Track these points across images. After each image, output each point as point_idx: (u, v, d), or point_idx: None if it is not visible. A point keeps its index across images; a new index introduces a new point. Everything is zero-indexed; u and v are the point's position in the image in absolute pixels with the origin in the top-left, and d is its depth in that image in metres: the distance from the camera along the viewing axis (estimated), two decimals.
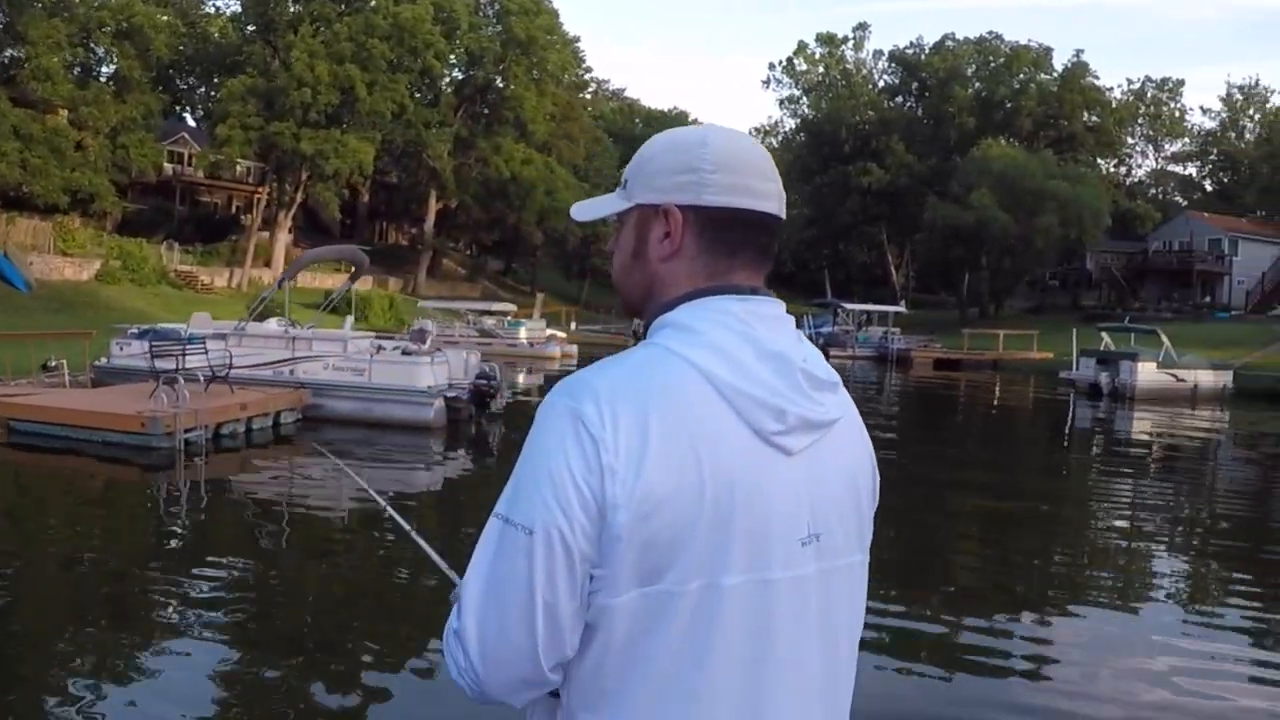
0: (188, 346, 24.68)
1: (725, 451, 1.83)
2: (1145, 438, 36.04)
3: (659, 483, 1.77)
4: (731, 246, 2.01)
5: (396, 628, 11.22)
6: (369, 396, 25.64)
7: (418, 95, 79.34)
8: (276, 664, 9.74)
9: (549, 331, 61.31)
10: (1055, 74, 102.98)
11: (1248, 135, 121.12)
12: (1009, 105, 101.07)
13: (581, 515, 1.76)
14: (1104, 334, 52.52)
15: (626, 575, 1.79)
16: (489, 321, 60.63)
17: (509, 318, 61.41)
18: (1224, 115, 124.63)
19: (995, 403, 46.57)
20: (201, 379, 23.47)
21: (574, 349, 58.31)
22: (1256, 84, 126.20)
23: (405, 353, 26.97)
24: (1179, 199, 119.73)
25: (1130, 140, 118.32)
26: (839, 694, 2.03)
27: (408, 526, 3.29)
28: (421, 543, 3.05)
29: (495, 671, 1.83)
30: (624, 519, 1.76)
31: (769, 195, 2.04)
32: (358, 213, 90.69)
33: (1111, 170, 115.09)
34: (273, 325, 27.60)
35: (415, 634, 10.89)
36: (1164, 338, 49.40)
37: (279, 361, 26.17)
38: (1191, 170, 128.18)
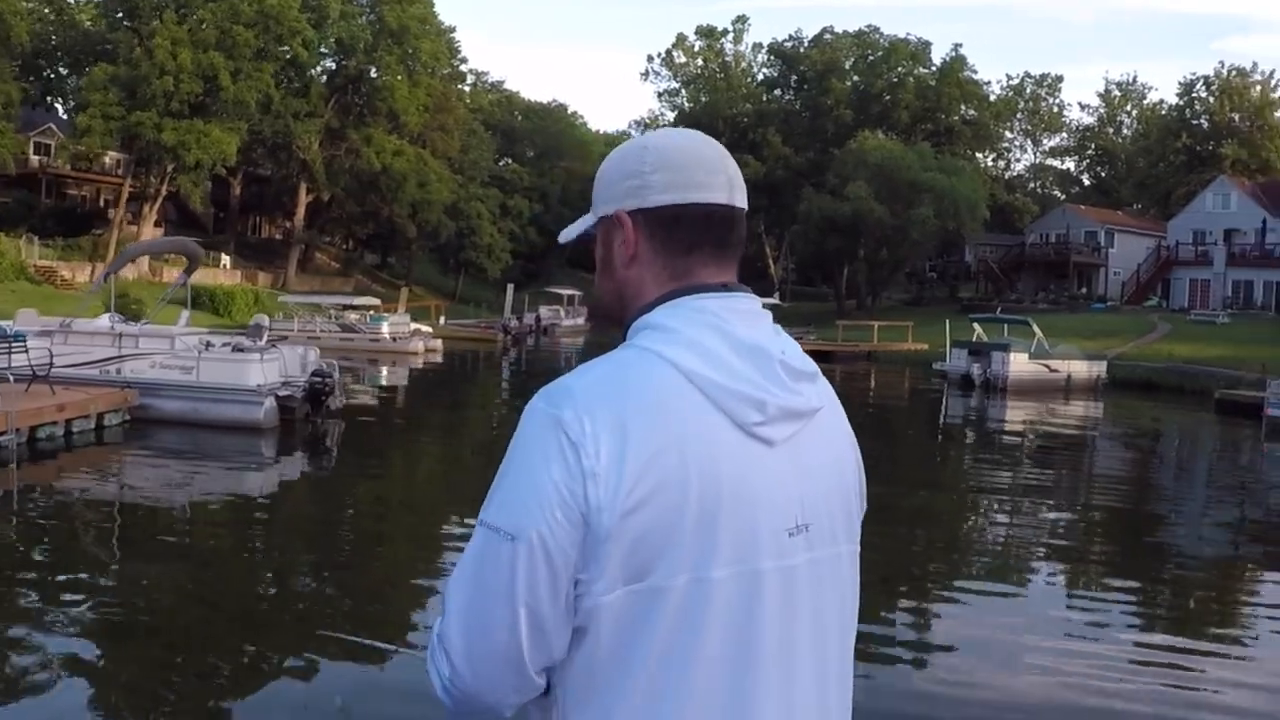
0: (13, 344, 23.15)
1: (707, 446, 1.82)
2: (1019, 428, 36.27)
3: (641, 482, 1.77)
4: (686, 244, 1.99)
5: (235, 631, 11.04)
6: (197, 395, 24.25)
7: (285, 85, 77.55)
8: (122, 671, 9.70)
9: (414, 326, 59.82)
10: (934, 68, 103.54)
11: (1125, 131, 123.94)
12: (887, 99, 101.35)
13: (564, 520, 1.76)
14: (976, 325, 52.12)
15: (613, 575, 1.78)
16: (352, 316, 59.15)
17: (372, 312, 59.95)
18: (1102, 111, 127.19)
19: (869, 395, 46.17)
20: (13, 379, 21.88)
21: (439, 344, 57.32)
22: (1134, 81, 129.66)
23: (236, 349, 25.48)
24: (1058, 193, 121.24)
25: (1009, 135, 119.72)
26: (833, 684, 2.00)
27: None
28: None
29: (480, 677, 1.83)
30: (607, 521, 1.76)
31: (715, 185, 2.00)
32: (230, 206, 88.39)
33: (990, 164, 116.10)
34: (103, 321, 26.07)
35: (253, 638, 10.87)
36: (1036, 328, 49.27)
37: (104, 360, 24.67)
38: (1070, 165, 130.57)
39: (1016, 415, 39.24)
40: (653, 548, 1.78)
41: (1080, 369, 49.27)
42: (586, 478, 1.76)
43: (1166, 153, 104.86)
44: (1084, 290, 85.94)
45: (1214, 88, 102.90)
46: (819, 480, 1.97)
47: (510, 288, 78.42)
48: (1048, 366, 47.80)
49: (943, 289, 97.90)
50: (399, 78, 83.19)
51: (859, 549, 2.07)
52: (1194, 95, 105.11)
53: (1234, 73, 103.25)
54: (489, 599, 1.80)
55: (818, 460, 1.97)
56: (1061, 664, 10.54)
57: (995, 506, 20.95)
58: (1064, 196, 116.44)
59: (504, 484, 1.83)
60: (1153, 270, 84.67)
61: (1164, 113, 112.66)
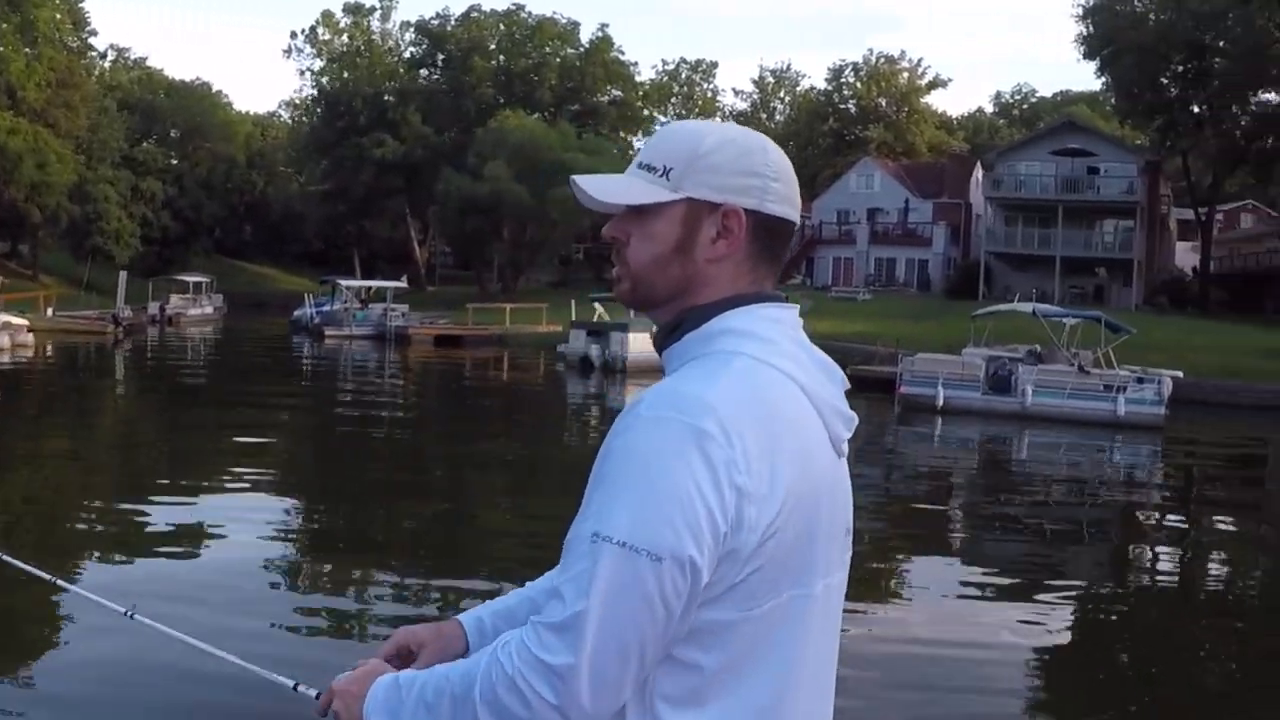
0: None
1: (822, 460, 1.89)
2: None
3: (785, 499, 1.78)
4: (775, 254, 2.03)
5: None
6: None
7: None
8: None
9: (3, 318, 52.97)
10: (582, 48, 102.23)
11: (778, 116, 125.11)
12: (534, 78, 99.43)
13: (711, 541, 1.73)
14: (597, 305, 49.85)
15: (751, 593, 1.79)
16: None
17: None
18: (756, 97, 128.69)
19: (489, 378, 44.99)
20: None
21: (30, 338, 50.97)
22: (788, 68, 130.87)
23: None
24: None
25: (663, 119, 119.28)
26: None
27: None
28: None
29: (598, 707, 1.75)
30: (756, 540, 1.76)
31: (798, 205, 2.05)
32: None
33: (643, 147, 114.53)
34: None
35: None
36: None
37: None
38: None
39: (624, 398, 37.42)
40: (788, 565, 1.81)
41: None
42: (742, 497, 1.73)
43: (815, 136, 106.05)
44: None
45: (862, 74, 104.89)
46: (849, 489, 2.03)
47: (123, 275, 71.79)
48: None
49: (590, 270, 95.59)
50: (15, 49, 76.17)
51: None
52: (843, 81, 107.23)
53: (882, 60, 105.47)
54: (629, 624, 1.72)
55: (846, 470, 2.02)
56: None
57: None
58: None
59: (635, 498, 1.73)
60: (797, 249, 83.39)
61: (814, 98, 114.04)
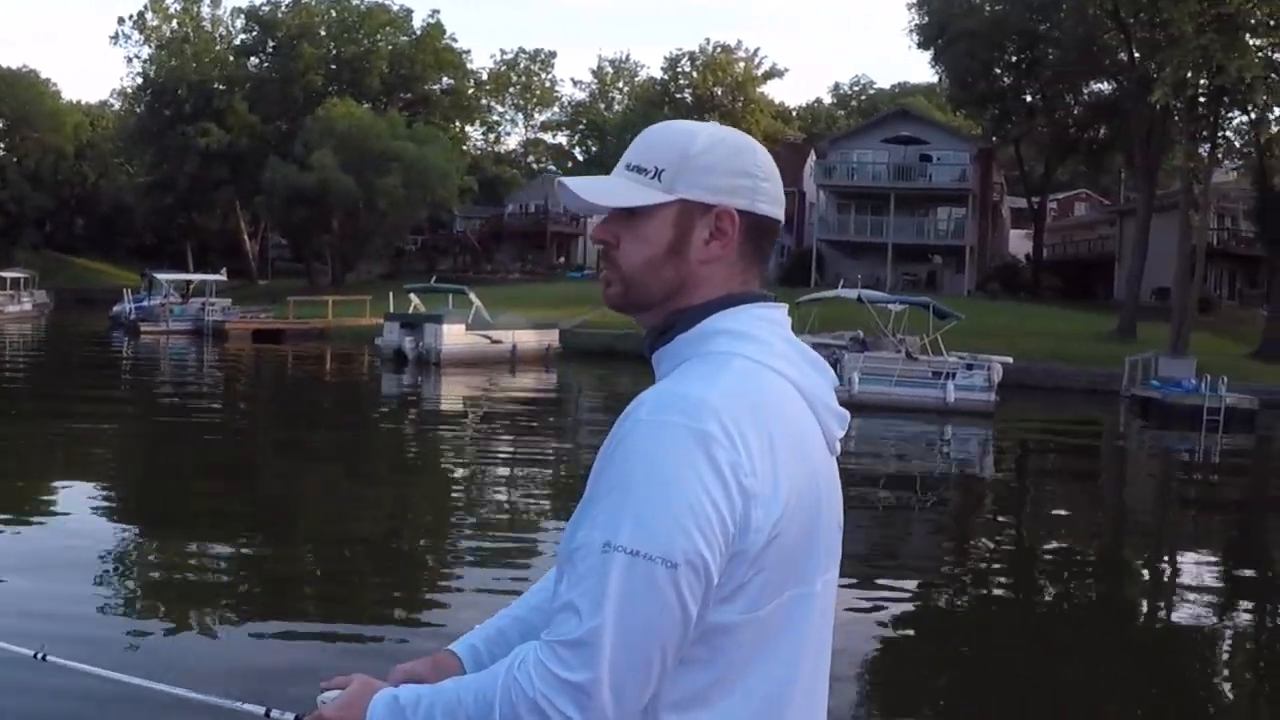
0: None
1: (819, 458, 1.92)
2: (454, 404, 34.38)
3: (788, 499, 1.81)
4: (764, 254, 2.05)
5: None
6: None
7: None
8: None
9: None
10: (414, 36, 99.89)
11: (617, 106, 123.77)
12: (365, 65, 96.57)
13: (722, 543, 1.74)
14: (413, 296, 48.11)
15: (757, 594, 1.81)
16: None
17: None
18: (594, 87, 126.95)
19: (301, 374, 43.58)
20: None
21: None
22: (627, 58, 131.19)
23: None
24: (553, 167, 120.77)
25: (500, 109, 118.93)
26: None
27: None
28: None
29: (626, 716, 1.75)
30: (762, 540, 1.78)
31: (784, 205, 2.07)
32: None
33: (481, 137, 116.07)
34: None
35: None
36: (474, 297, 46.04)
37: None
38: (563, 139, 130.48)
39: (453, 391, 36.93)
40: (790, 565, 1.83)
41: (528, 339, 46.80)
42: (749, 498, 1.74)
43: (650, 125, 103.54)
44: (563, 259, 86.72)
45: (699, 63, 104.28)
46: (839, 485, 2.04)
47: None
48: (489, 338, 44.61)
49: (423, 262, 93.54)
50: None
51: None
52: (679, 70, 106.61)
53: (719, 49, 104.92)
54: (649, 633, 1.72)
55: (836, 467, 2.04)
56: None
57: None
58: (560, 172, 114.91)
59: (644, 505, 1.73)
60: None
61: (651, 87, 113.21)
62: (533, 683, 1.72)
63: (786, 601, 1.83)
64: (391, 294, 50.42)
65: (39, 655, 2.65)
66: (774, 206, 2.00)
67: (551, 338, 48.17)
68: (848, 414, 2.01)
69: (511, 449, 24.70)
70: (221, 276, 68.37)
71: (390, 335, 44.29)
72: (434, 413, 32.01)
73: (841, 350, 33.47)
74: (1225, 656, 11.79)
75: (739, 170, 1.96)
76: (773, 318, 1.97)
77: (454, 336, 42.67)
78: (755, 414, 1.78)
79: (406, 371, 41.11)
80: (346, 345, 54.14)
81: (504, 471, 21.46)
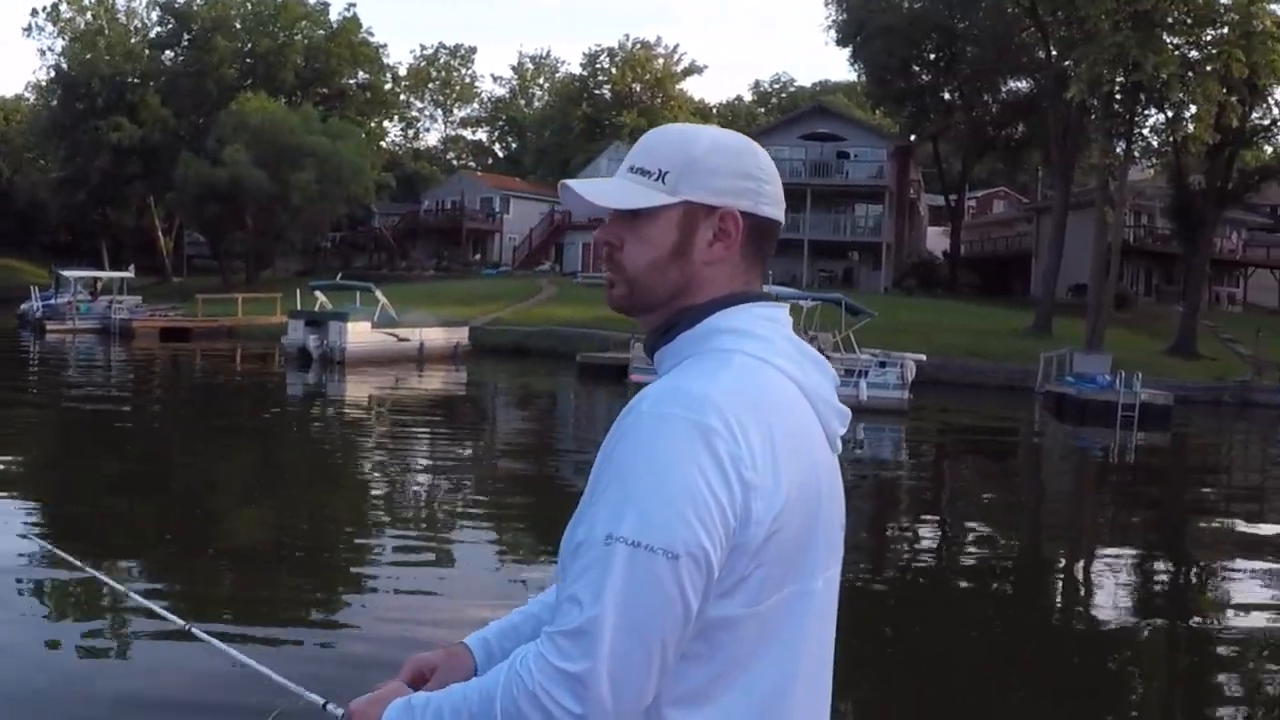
0: None
1: (819, 455, 1.94)
2: (360, 403, 33.69)
3: (788, 493, 1.82)
4: (765, 255, 2.08)
5: None
6: None
7: None
8: None
9: None
10: (330, 30, 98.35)
11: (536, 103, 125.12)
12: (281, 59, 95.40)
13: (723, 535, 1.76)
14: (319, 293, 46.97)
15: (757, 588, 1.82)
16: None
17: None
18: (515, 83, 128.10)
19: (206, 373, 42.72)
20: None
21: None
22: (548, 55, 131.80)
23: None
24: (473, 164, 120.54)
25: (419, 104, 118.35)
26: None
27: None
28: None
29: (622, 710, 1.76)
30: (763, 534, 1.80)
31: (784, 207, 2.11)
32: None
33: (400, 133, 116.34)
34: None
35: None
36: (379, 295, 45.32)
37: None
38: (483, 136, 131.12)
39: (357, 391, 36.15)
40: (790, 560, 1.84)
41: (436, 336, 46.03)
42: (750, 490, 1.76)
43: (568, 121, 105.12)
44: (479, 256, 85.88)
45: (618, 59, 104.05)
46: (841, 483, 2.05)
47: None
48: (395, 335, 43.83)
49: (340, 259, 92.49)
50: None
51: None
52: (598, 66, 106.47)
53: (638, 45, 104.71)
54: (651, 625, 1.73)
55: (838, 465, 2.06)
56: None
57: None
58: (478, 168, 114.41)
59: (645, 497, 1.75)
60: (545, 234, 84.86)
61: (569, 83, 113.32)
62: (532, 675, 1.73)
63: (787, 597, 1.85)
64: (299, 291, 49.32)
65: (186, 628, 2.75)
66: (776, 208, 2.03)
67: (461, 335, 47.48)
68: (849, 412, 2.03)
69: (416, 449, 24.11)
70: (128, 273, 67.10)
71: (295, 334, 43.20)
72: (337, 414, 31.22)
73: None
74: (1142, 653, 11.73)
75: (742, 172, 1.99)
76: (774, 317, 1.99)
77: (359, 334, 41.85)
78: (756, 408, 1.80)
79: (311, 371, 40.21)
80: (255, 344, 53.04)
81: (407, 472, 20.87)
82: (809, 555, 1.88)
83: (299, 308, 46.18)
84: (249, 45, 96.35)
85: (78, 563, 3.40)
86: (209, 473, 19.98)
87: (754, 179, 2.00)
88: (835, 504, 1.98)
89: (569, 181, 2.06)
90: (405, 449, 23.92)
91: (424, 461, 22.34)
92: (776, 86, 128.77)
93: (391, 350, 42.95)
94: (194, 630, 2.85)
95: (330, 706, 2.27)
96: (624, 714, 1.73)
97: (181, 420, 28.53)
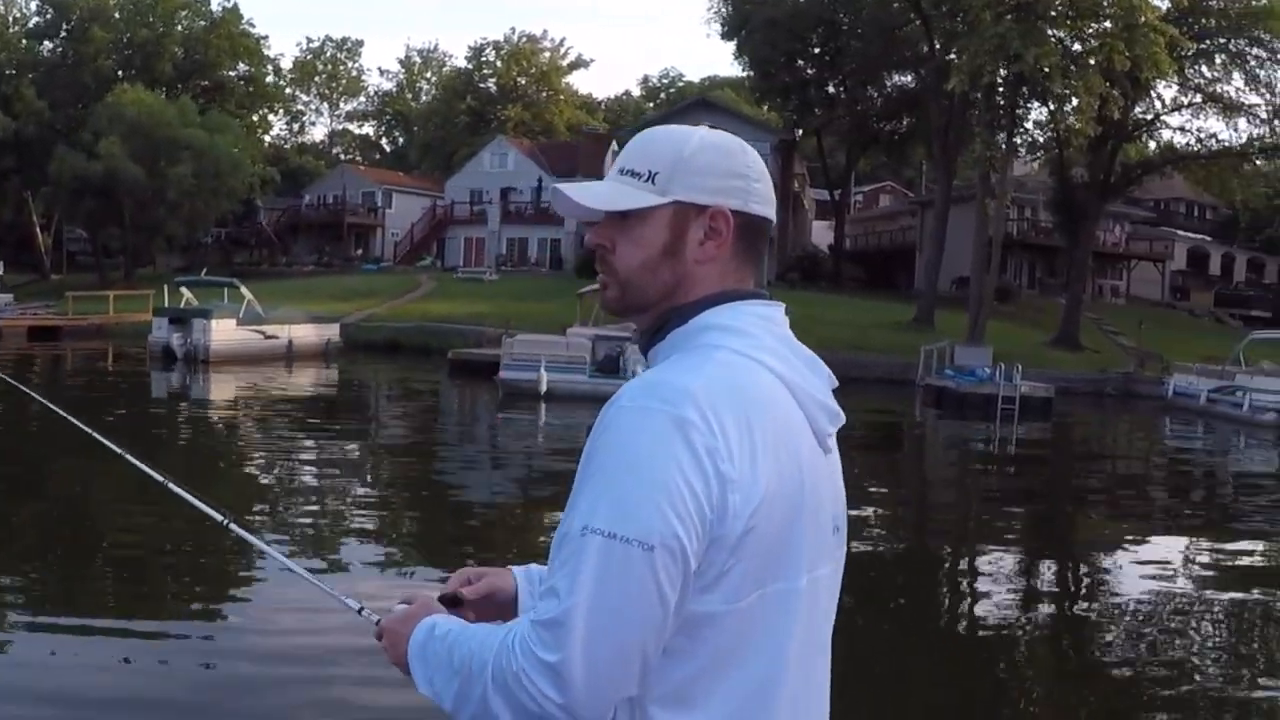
0: None
1: (801, 450, 1.91)
2: (222, 403, 32.58)
3: (767, 488, 1.81)
4: (757, 253, 2.08)
5: None
6: None
7: None
8: None
9: None
10: (211, 20, 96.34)
11: (424, 97, 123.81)
12: (159, 50, 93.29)
13: (699, 527, 1.76)
14: (184, 290, 45.86)
15: (737, 583, 1.81)
16: None
17: None
18: (402, 77, 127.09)
19: (77, 372, 41.03)
20: None
21: None
22: (435, 48, 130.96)
23: None
24: (359, 158, 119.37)
25: (306, 98, 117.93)
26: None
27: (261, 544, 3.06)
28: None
29: (599, 699, 1.78)
30: (740, 528, 1.79)
31: (774, 203, 2.12)
32: None
33: (285, 127, 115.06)
34: None
35: None
36: (245, 291, 44.05)
37: None
38: (370, 130, 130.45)
39: (213, 390, 35.15)
40: (773, 554, 1.83)
41: (306, 333, 45.00)
42: (726, 484, 1.76)
43: (452, 115, 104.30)
44: (360, 251, 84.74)
45: (503, 52, 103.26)
46: (840, 484, 2.07)
47: None
48: (262, 333, 42.65)
49: (220, 255, 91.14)
50: None
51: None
52: (483, 59, 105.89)
53: (524, 38, 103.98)
54: (625, 616, 1.75)
55: (837, 466, 2.07)
56: None
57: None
58: (365, 162, 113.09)
59: (621, 489, 1.76)
60: (427, 229, 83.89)
61: (454, 76, 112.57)
62: (516, 658, 1.76)
63: (769, 596, 1.83)
64: (166, 287, 48.02)
65: (360, 611, 2.64)
66: (766, 206, 2.03)
67: (331, 332, 46.57)
68: (841, 413, 2.02)
69: (277, 450, 23.28)
70: None
71: (159, 332, 41.80)
72: (200, 415, 30.12)
73: (624, 342, 32.23)
74: (1025, 647, 11.67)
75: (731, 171, 1.99)
76: (766, 314, 1.98)
77: (224, 332, 40.65)
78: (735, 403, 1.80)
79: (175, 370, 38.93)
80: (126, 342, 51.23)
81: (268, 471, 20.29)
82: (792, 553, 1.86)
83: (167, 304, 44.94)
84: (127, 36, 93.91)
85: None
86: (69, 481, 18.62)
87: (743, 177, 2.00)
88: (825, 504, 1.95)
89: (560, 185, 2.04)
90: (266, 450, 23.17)
91: (284, 463, 21.47)
92: (666, 82, 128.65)
93: (258, 348, 41.83)
94: (233, 526, 2.96)
95: (365, 612, 2.39)
96: (603, 703, 1.75)
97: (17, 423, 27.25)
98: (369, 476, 20.51)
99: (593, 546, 1.73)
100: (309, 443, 24.50)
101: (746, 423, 1.79)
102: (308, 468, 21.04)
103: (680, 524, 1.72)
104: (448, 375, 38.55)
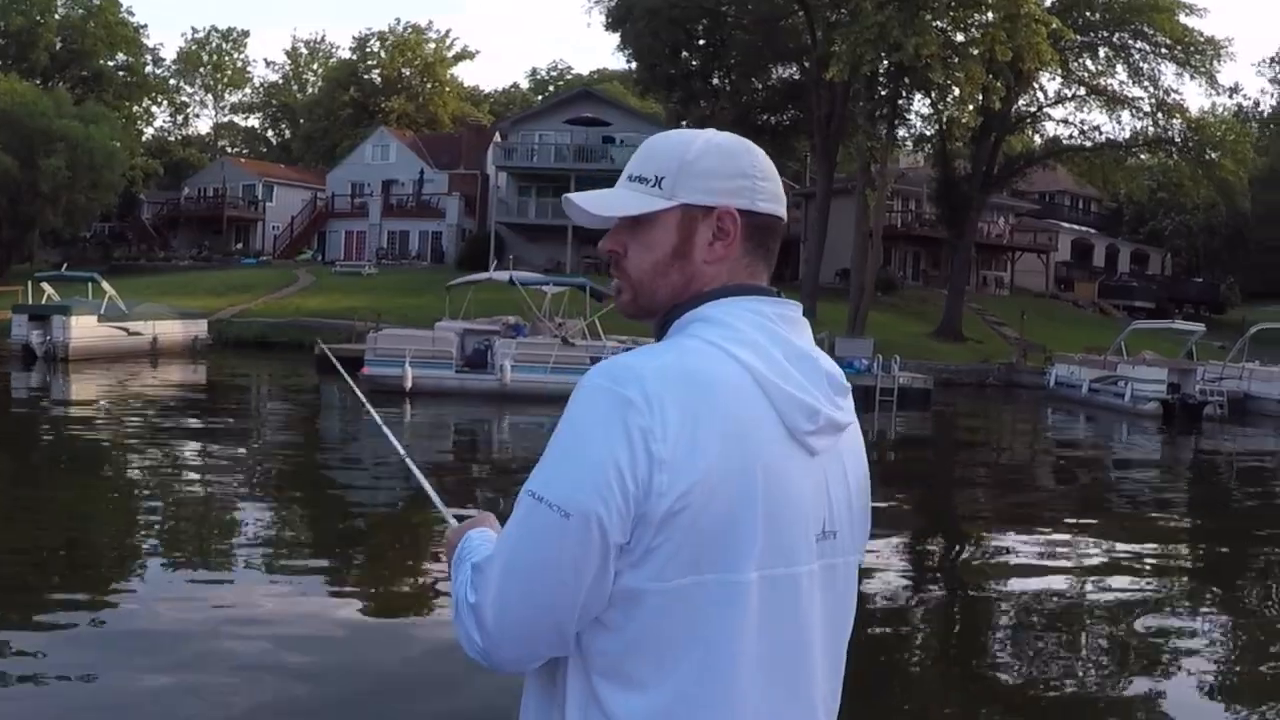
0: None
1: (762, 444, 1.90)
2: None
3: (707, 475, 1.82)
4: (766, 252, 2.10)
5: None
6: None
7: None
8: None
9: None
10: (90, 8, 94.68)
11: (310, 89, 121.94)
12: (34, 38, 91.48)
13: (621, 502, 1.80)
14: (45, 285, 44.10)
15: (663, 563, 1.83)
16: None
17: None
18: (288, 68, 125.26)
19: None
20: None
21: None
22: (322, 39, 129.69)
23: None
24: (245, 151, 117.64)
25: (190, 89, 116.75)
26: (836, 686, 2.10)
27: (413, 466, 3.06)
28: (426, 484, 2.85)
29: (508, 647, 1.88)
30: (667, 506, 1.81)
31: (784, 201, 2.14)
32: None
33: (169, 118, 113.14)
34: None
35: None
36: (106, 286, 42.82)
37: None
38: (255, 122, 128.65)
39: (73, 389, 33.97)
40: (710, 542, 1.83)
41: (172, 330, 44.15)
42: (654, 464, 1.79)
43: (336, 106, 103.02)
44: (240, 245, 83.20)
45: (388, 43, 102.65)
46: (843, 490, 2.04)
47: None
48: (125, 329, 41.56)
49: (100, 250, 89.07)
50: None
51: (862, 559, 2.15)
52: (368, 50, 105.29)
53: (409, 29, 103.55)
54: (533, 573, 1.83)
55: (844, 471, 2.04)
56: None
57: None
58: (250, 154, 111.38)
59: (557, 457, 1.85)
60: (307, 223, 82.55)
61: (338, 67, 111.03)
62: (466, 587, 1.90)
63: (709, 585, 1.83)
64: (29, 284, 46.32)
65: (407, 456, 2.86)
66: (774, 204, 2.05)
67: (199, 328, 45.71)
68: (841, 415, 1.99)
69: (138, 449, 22.58)
70: None
71: (18, 329, 40.46)
72: (61, 415, 29.08)
73: (492, 336, 31.56)
74: (910, 633, 11.71)
75: (737, 172, 2.02)
76: (762, 310, 1.98)
77: (84, 329, 39.38)
78: (684, 388, 1.82)
79: (35, 369, 37.72)
80: None
81: (124, 477, 19.64)
82: (737, 545, 1.84)
83: (30, 301, 43.36)
84: (3, 24, 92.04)
85: None
86: None
87: (749, 177, 2.01)
88: (802, 504, 1.93)
89: (571, 195, 2.07)
90: (126, 451, 22.34)
91: (148, 464, 20.80)
92: (554, 74, 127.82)
93: (121, 345, 40.71)
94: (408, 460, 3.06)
95: (455, 511, 2.44)
96: (511, 653, 1.86)
97: None
98: (229, 477, 19.73)
99: (524, 506, 1.82)
100: (172, 441, 23.87)
101: (693, 408, 1.80)
102: (164, 469, 20.26)
103: (600, 499, 1.76)
104: (315, 370, 37.59)
